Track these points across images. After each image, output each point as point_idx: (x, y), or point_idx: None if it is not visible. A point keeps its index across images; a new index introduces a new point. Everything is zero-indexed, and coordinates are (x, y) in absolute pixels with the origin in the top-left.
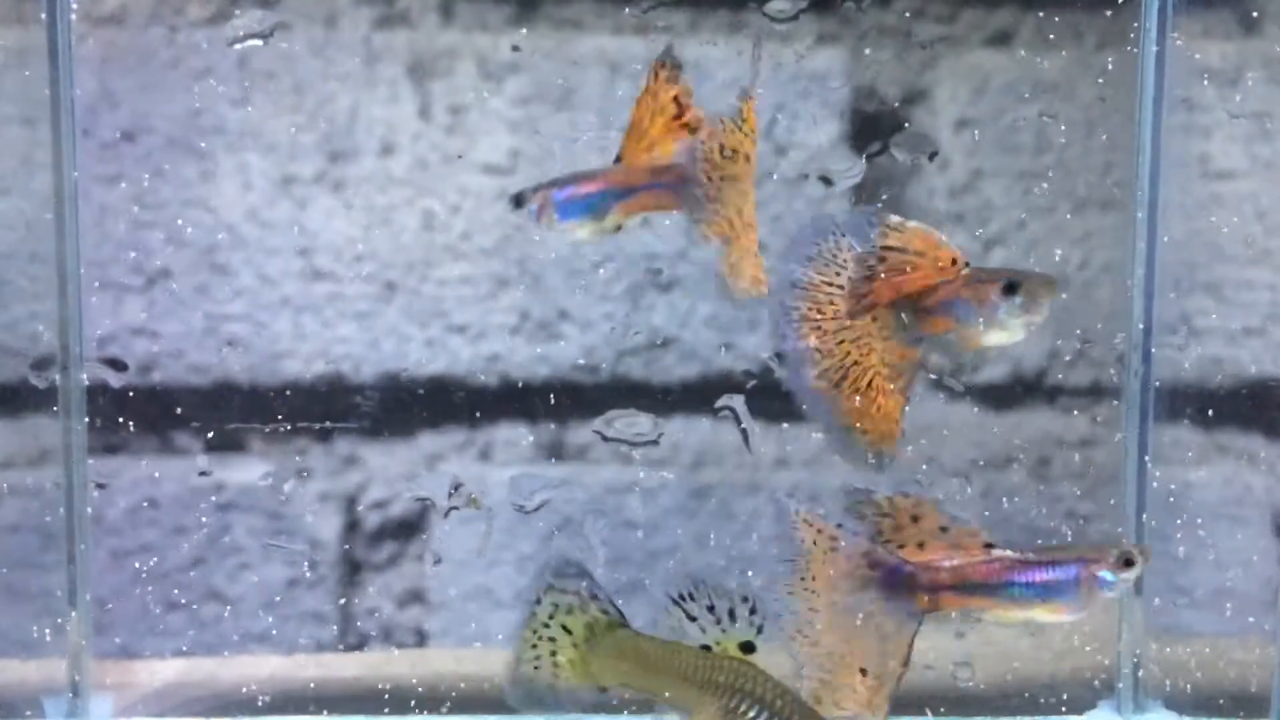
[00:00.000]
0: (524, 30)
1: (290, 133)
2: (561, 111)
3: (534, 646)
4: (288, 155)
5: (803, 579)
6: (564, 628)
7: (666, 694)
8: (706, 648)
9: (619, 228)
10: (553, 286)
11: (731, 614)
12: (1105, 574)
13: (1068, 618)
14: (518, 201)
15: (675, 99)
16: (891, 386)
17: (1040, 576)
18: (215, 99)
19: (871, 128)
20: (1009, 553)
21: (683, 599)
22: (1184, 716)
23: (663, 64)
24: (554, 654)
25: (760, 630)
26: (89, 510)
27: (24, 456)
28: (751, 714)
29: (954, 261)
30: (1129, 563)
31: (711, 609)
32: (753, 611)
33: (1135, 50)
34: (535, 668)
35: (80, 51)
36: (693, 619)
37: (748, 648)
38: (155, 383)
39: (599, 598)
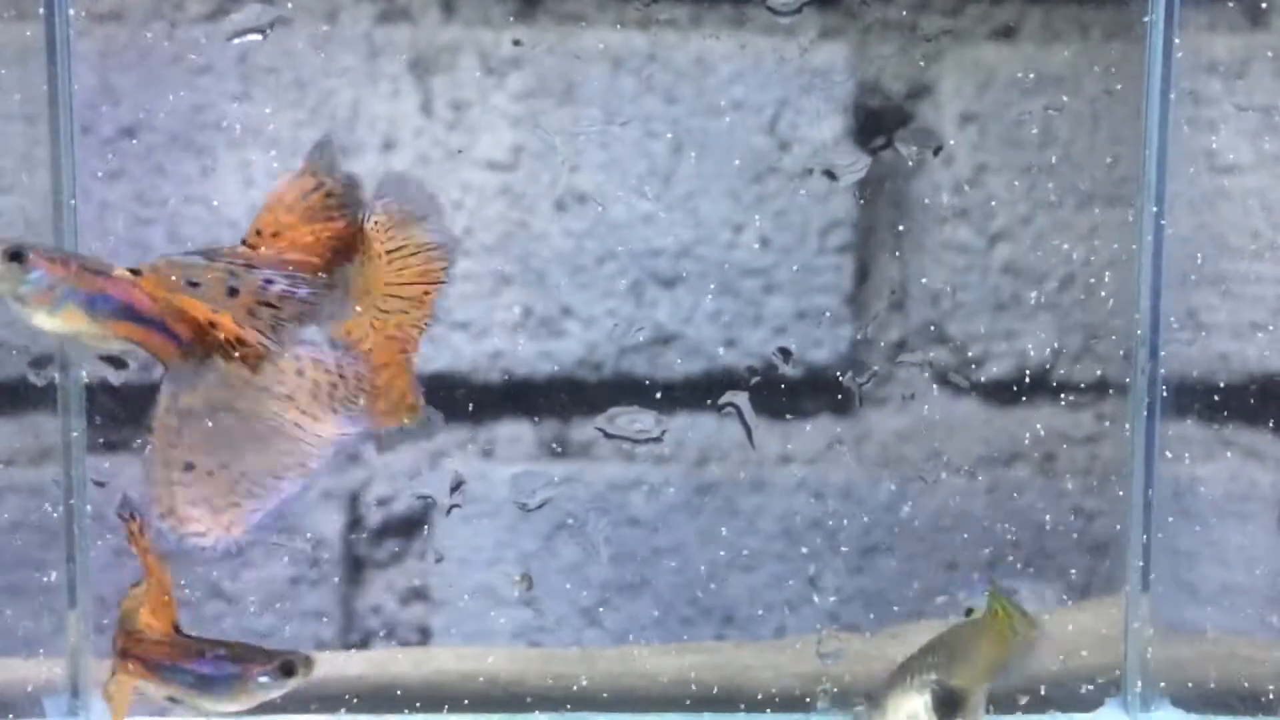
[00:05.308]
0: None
1: (291, 129)
2: (564, 106)
3: None
4: (289, 151)
5: None
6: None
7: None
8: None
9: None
10: (555, 283)
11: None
12: (264, 677)
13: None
14: (16, 255)
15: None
16: None
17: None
18: (215, 95)
19: (876, 122)
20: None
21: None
22: (1192, 714)
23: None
24: None
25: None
26: (89, 508)
27: (23, 454)
28: None
29: None
30: (289, 672)
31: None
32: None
33: (1141, 43)
34: None
35: (79, 47)
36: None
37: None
38: (155, 380)
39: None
